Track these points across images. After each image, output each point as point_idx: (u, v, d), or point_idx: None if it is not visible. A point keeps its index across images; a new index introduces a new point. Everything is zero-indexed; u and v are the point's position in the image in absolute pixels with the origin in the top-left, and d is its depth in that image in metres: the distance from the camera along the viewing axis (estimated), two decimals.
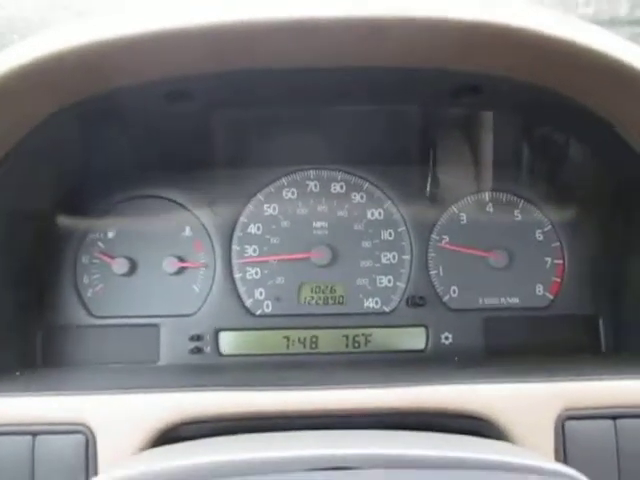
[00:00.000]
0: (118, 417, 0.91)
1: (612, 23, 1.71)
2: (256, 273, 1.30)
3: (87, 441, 0.89)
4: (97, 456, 0.89)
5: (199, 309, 1.29)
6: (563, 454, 0.90)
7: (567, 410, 0.92)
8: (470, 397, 0.93)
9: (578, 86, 0.95)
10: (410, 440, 0.79)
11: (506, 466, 0.64)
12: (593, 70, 0.87)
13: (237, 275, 1.30)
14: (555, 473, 0.65)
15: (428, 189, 1.31)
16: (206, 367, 1.23)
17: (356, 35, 0.88)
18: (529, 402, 0.93)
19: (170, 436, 0.91)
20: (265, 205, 1.32)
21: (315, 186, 1.33)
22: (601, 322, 1.29)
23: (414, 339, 1.29)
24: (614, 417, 0.92)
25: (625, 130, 1.01)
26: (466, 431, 0.91)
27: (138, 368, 1.23)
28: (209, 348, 1.27)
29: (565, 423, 0.91)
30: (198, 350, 1.27)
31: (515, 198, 1.33)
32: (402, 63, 0.93)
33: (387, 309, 1.30)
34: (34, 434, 0.90)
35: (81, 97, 1.01)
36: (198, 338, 1.27)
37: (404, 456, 0.64)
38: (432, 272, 1.31)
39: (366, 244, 1.31)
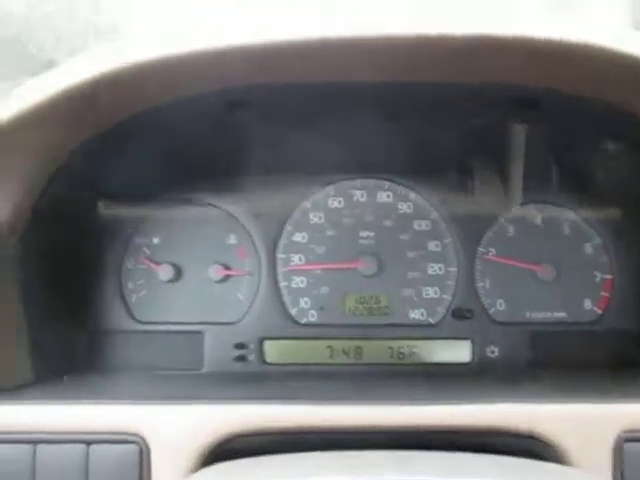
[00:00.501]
0: (172, 428, 0.91)
1: None
2: (301, 282, 1.30)
3: (141, 451, 0.89)
4: (151, 466, 0.89)
5: (243, 317, 1.28)
6: (621, 477, 0.89)
7: (626, 432, 0.90)
8: (525, 416, 0.91)
9: (631, 97, 0.93)
10: (466, 464, 0.79)
11: None
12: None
13: (282, 284, 1.29)
14: None
15: (484, 200, 1.30)
16: (250, 376, 1.23)
17: (414, 51, 0.87)
18: (586, 423, 0.91)
19: (225, 448, 0.91)
20: (311, 214, 1.31)
21: (362, 195, 1.32)
22: None
23: (459, 352, 1.27)
24: None
25: None
26: (520, 451, 0.90)
27: (183, 376, 1.23)
28: (253, 356, 1.26)
29: (624, 445, 0.90)
30: (242, 358, 1.26)
31: (563, 211, 1.31)
32: (456, 79, 0.92)
33: (432, 321, 1.29)
34: (88, 443, 0.90)
35: (130, 114, 1.02)
36: (242, 346, 1.26)
37: None
38: (479, 284, 1.29)
39: (412, 255, 1.30)
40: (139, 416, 0.91)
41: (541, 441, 0.91)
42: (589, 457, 0.90)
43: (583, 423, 0.91)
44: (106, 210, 1.31)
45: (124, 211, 1.32)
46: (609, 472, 0.89)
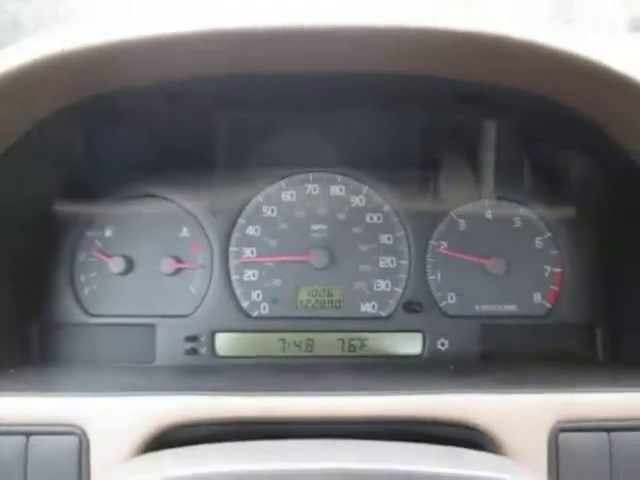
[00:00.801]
0: (112, 419, 0.91)
1: None
2: (253, 275, 1.30)
3: (80, 443, 0.89)
4: (90, 458, 0.89)
5: (195, 310, 1.28)
6: (556, 466, 0.90)
7: (561, 422, 0.92)
8: (463, 407, 0.93)
9: (574, 94, 0.95)
10: (389, 452, 0.80)
11: None
12: (587, 78, 0.87)
13: (234, 277, 1.29)
14: None
15: (436, 194, 1.31)
16: (201, 368, 1.23)
17: (361, 42, 0.88)
18: (523, 413, 0.92)
19: (165, 439, 0.91)
20: (264, 207, 1.32)
21: (314, 189, 1.32)
22: (598, 331, 1.29)
23: (410, 344, 1.28)
24: (608, 430, 0.92)
25: (620, 136, 1.01)
26: (460, 440, 0.92)
27: (134, 368, 1.23)
28: (205, 349, 1.26)
29: (559, 435, 0.91)
30: (194, 351, 1.26)
31: (515, 205, 1.33)
32: (404, 70, 0.93)
33: (384, 314, 1.30)
34: (28, 434, 0.90)
35: (83, 97, 1.01)
36: (194, 339, 1.26)
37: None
38: (430, 277, 1.30)
39: (364, 248, 1.31)
40: (79, 408, 0.91)
41: (479, 431, 0.92)
42: (525, 447, 0.91)
43: (519, 413, 0.92)
44: (61, 206, 1.31)
45: (78, 206, 1.32)
46: (544, 462, 0.91)
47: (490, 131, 1.31)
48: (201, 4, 0.89)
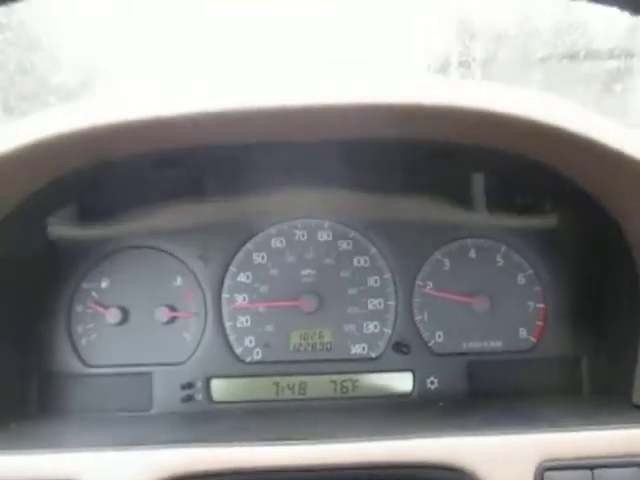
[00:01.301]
0: (111, 474, 0.93)
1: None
2: (246, 321, 1.33)
3: None
4: None
5: (190, 357, 1.31)
6: None
7: (546, 461, 0.95)
8: (451, 450, 0.96)
9: (548, 155, 0.99)
10: None
11: None
12: (566, 145, 0.92)
13: (227, 323, 1.33)
14: None
15: (421, 236, 1.35)
16: (197, 415, 1.25)
17: (338, 116, 0.93)
18: (508, 453, 0.96)
19: None
20: (254, 254, 1.35)
21: (303, 235, 1.36)
22: (583, 363, 1.32)
23: (401, 383, 1.31)
24: (592, 467, 0.95)
25: (595, 191, 1.05)
26: None
27: (131, 418, 1.25)
28: (201, 395, 1.29)
29: (544, 474, 0.94)
30: (189, 398, 1.29)
31: (496, 244, 1.36)
32: (379, 135, 0.98)
33: (374, 354, 1.33)
34: None
35: (68, 171, 1.06)
36: (190, 386, 1.29)
37: None
38: (417, 317, 1.34)
39: (352, 291, 1.34)
40: (77, 462, 0.94)
41: (465, 473, 0.95)
42: None
43: (504, 454, 0.95)
44: (59, 260, 1.34)
45: (72, 256, 1.36)
46: None
47: (471, 179, 1.35)
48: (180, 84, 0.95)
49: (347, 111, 0.85)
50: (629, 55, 2.35)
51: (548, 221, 1.37)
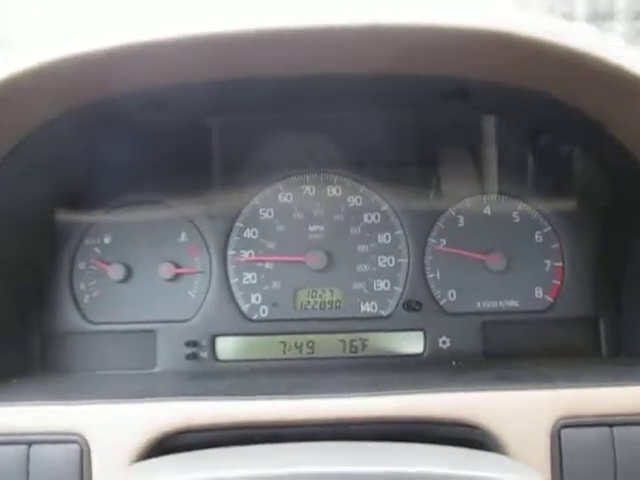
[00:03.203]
0: (112, 427, 0.91)
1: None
2: (252, 278, 1.30)
3: (81, 451, 0.90)
4: (91, 466, 0.89)
5: (195, 315, 1.28)
6: (559, 463, 0.90)
7: (563, 418, 0.91)
8: (464, 405, 0.92)
9: (567, 88, 0.94)
10: (393, 454, 0.79)
11: None
12: (580, 72, 0.86)
13: (233, 280, 1.29)
14: None
15: (432, 191, 1.31)
16: (202, 373, 1.23)
17: (349, 41, 0.88)
18: (524, 410, 0.92)
19: (166, 445, 0.91)
20: (261, 209, 1.31)
21: (311, 190, 1.32)
22: (602, 324, 1.28)
23: (412, 343, 1.28)
24: (611, 425, 0.91)
25: (617, 130, 1.00)
26: (461, 440, 0.91)
27: (134, 375, 1.23)
28: (205, 354, 1.27)
29: (561, 431, 0.90)
30: (194, 356, 1.26)
31: (513, 200, 1.31)
32: (390, 70, 0.92)
33: (384, 313, 1.29)
34: (29, 444, 0.90)
35: (78, 105, 1.02)
36: (194, 344, 1.26)
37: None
38: (429, 276, 1.30)
39: (362, 248, 1.30)
40: (79, 416, 0.92)
41: (481, 430, 0.92)
42: (527, 445, 0.90)
43: (521, 411, 0.91)
44: (62, 216, 1.31)
45: (78, 214, 1.32)
46: (547, 458, 0.90)
47: (488, 126, 1.30)
48: (190, 9, 0.90)
49: (355, 35, 0.80)
50: None
51: (567, 177, 1.32)
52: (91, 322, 1.29)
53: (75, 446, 0.90)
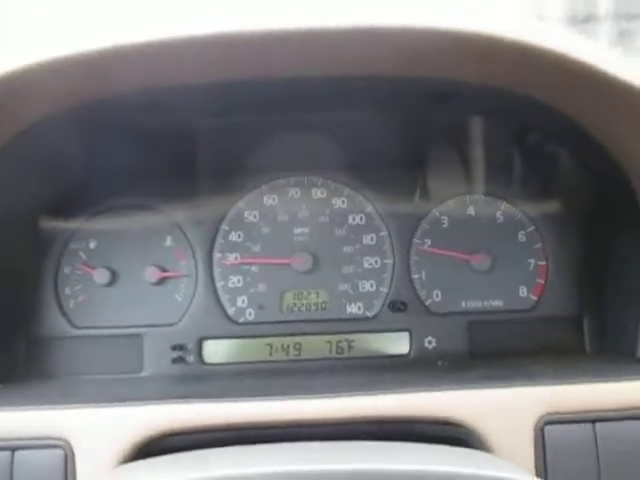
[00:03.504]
0: (96, 431, 0.91)
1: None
2: (238, 281, 1.30)
3: (66, 456, 0.89)
4: (76, 471, 0.89)
5: (181, 318, 1.28)
6: (543, 459, 0.90)
7: (547, 415, 0.92)
8: (448, 404, 0.93)
9: (549, 91, 0.95)
10: (380, 452, 0.79)
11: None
12: (561, 74, 0.87)
13: (219, 284, 1.29)
14: None
15: (417, 192, 1.32)
16: (189, 377, 1.23)
17: (334, 43, 0.88)
18: (508, 407, 0.92)
19: (152, 449, 0.91)
20: (246, 212, 1.31)
21: (296, 192, 1.32)
22: (585, 322, 1.29)
23: (398, 344, 1.28)
24: (593, 421, 0.92)
25: (599, 134, 1.01)
26: (448, 438, 0.91)
27: (121, 379, 1.22)
28: (192, 357, 1.26)
29: (545, 428, 0.91)
30: (181, 360, 1.26)
31: (497, 200, 1.33)
32: (375, 72, 0.93)
33: (370, 314, 1.30)
34: (13, 449, 0.90)
35: (66, 107, 1.01)
36: (181, 348, 1.26)
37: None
38: (414, 276, 1.30)
39: (348, 249, 1.31)
40: (63, 420, 0.91)
41: (465, 428, 0.92)
42: (511, 442, 0.91)
43: (504, 408, 0.92)
44: (47, 220, 1.31)
45: (63, 219, 1.32)
46: (531, 455, 0.91)
47: (473, 128, 1.31)
48: (177, 11, 0.90)
49: (339, 37, 0.81)
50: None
51: (551, 178, 1.33)
52: (77, 327, 1.28)
53: (59, 451, 0.89)
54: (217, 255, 1.30)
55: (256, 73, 0.97)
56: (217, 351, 1.27)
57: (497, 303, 1.30)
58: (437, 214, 1.32)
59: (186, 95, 1.00)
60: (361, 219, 1.32)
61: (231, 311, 1.29)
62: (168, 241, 1.31)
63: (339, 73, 0.98)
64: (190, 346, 1.26)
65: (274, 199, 1.32)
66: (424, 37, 0.85)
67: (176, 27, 0.84)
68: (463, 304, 1.30)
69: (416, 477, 0.66)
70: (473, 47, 0.87)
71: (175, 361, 1.26)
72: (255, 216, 1.31)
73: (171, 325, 1.28)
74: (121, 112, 1.06)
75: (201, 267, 1.29)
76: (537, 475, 0.89)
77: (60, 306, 1.28)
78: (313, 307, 1.30)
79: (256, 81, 1.00)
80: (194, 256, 1.30)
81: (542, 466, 0.90)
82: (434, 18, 0.81)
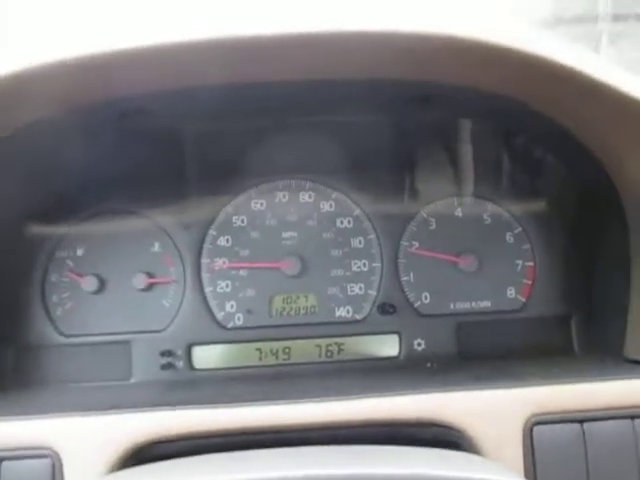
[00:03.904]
0: (84, 439, 0.90)
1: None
2: (226, 286, 1.29)
3: (53, 465, 0.88)
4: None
5: (170, 324, 1.27)
6: (532, 459, 0.91)
7: (535, 415, 0.92)
8: (437, 406, 0.93)
9: (533, 94, 0.95)
10: (369, 456, 0.79)
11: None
12: (543, 77, 0.88)
13: (207, 289, 1.29)
14: None
15: (404, 195, 1.32)
16: (178, 383, 1.22)
17: (314, 48, 0.88)
18: (496, 408, 0.93)
19: (140, 456, 0.90)
20: (234, 217, 1.31)
21: (284, 196, 1.32)
22: (573, 323, 1.30)
23: (387, 346, 1.28)
24: (581, 421, 0.92)
25: (585, 138, 1.01)
26: (438, 441, 0.92)
27: (109, 387, 1.22)
28: (181, 363, 1.25)
29: (534, 428, 0.92)
30: (170, 366, 1.25)
31: (484, 201, 1.33)
32: (358, 75, 0.93)
33: (359, 317, 1.29)
34: (0, 460, 0.89)
35: (55, 112, 1.00)
36: (170, 354, 1.25)
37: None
38: (403, 279, 1.30)
39: (336, 253, 1.31)
40: (50, 429, 0.90)
41: (453, 430, 0.92)
42: (500, 443, 0.91)
43: (493, 409, 0.93)
44: (33, 227, 1.29)
45: (49, 226, 1.31)
46: (520, 456, 0.91)
47: (460, 130, 1.31)
48: (162, 17, 0.90)
49: (329, 41, 0.81)
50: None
51: (538, 180, 1.33)
52: (64, 334, 1.27)
53: (47, 460, 0.89)
54: (205, 260, 1.30)
55: (245, 77, 0.98)
56: (206, 357, 1.27)
57: (485, 304, 1.31)
58: (425, 216, 1.32)
59: (178, 99, 1.00)
60: (349, 222, 1.32)
61: (220, 316, 1.29)
62: (156, 247, 1.30)
63: (328, 77, 0.98)
64: (179, 352, 1.26)
65: (262, 203, 1.32)
66: (411, 40, 0.85)
67: (173, 31, 0.84)
68: (452, 306, 1.30)
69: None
70: (457, 51, 0.87)
71: (164, 367, 1.25)
72: (243, 220, 1.31)
73: (160, 331, 1.27)
74: (111, 117, 1.06)
75: (189, 272, 1.29)
76: (526, 476, 0.90)
77: (48, 314, 1.27)
78: (302, 311, 1.29)
79: (244, 85, 1.00)
80: (182, 261, 1.29)
81: (531, 467, 0.90)
82: (420, 22, 0.81)
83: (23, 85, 0.88)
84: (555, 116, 1.00)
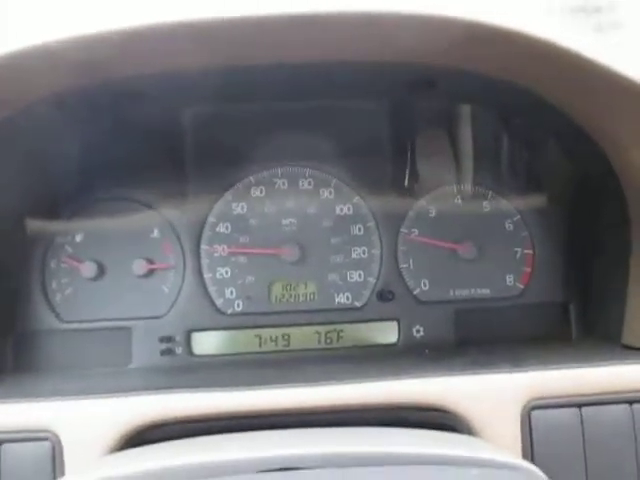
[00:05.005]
0: (84, 422, 0.91)
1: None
2: (226, 272, 1.30)
3: (53, 448, 0.89)
4: (64, 463, 0.89)
5: (169, 310, 1.28)
6: (530, 443, 0.91)
7: (533, 400, 0.93)
8: (436, 390, 0.93)
9: (533, 80, 0.95)
10: (365, 437, 0.80)
11: (453, 460, 0.64)
12: (547, 62, 0.88)
13: (207, 275, 1.29)
14: (503, 465, 0.65)
15: (406, 182, 1.32)
16: (177, 368, 1.22)
17: (314, 29, 0.88)
18: (494, 393, 0.93)
19: (140, 439, 0.91)
20: (233, 204, 1.31)
21: (283, 183, 1.32)
22: (572, 309, 1.30)
23: (386, 333, 1.29)
24: (579, 405, 0.93)
25: (584, 123, 1.01)
26: (436, 424, 0.92)
27: (109, 372, 1.22)
28: (181, 349, 1.26)
29: (531, 413, 0.92)
30: (170, 351, 1.26)
31: (483, 189, 1.33)
32: (360, 58, 0.93)
33: (358, 304, 1.30)
34: (0, 442, 0.90)
35: (51, 95, 1.00)
36: (169, 340, 1.26)
37: (351, 454, 0.64)
38: (402, 266, 1.31)
39: (335, 240, 1.31)
40: (50, 412, 0.91)
41: (451, 414, 0.93)
42: (498, 427, 0.92)
43: (491, 394, 0.93)
44: (32, 214, 1.29)
45: (49, 213, 1.31)
46: (518, 440, 0.91)
47: (460, 116, 1.31)
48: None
49: (323, 21, 0.80)
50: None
51: (537, 167, 1.34)
52: (64, 320, 1.27)
53: (47, 443, 0.89)
54: (205, 247, 1.30)
55: (246, 60, 0.97)
56: (206, 343, 1.27)
57: (484, 291, 1.31)
58: (424, 204, 1.32)
59: (176, 83, 1.00)
60: (348, 209, 1.32)
61: (219, 302, 1.29)
62: (155, 233, 1.30)
63: (326, 59, 0.97)
64: (178, 338, 1.26)
65: (261, 190, 1.32)
66: (411, 23, 0.85)
67: (172, 12, 0.83)
68: (451, 293, 1.31)
69: (403, 460, 0.66)
70: (457, 33, 0.87)
71: (164, 353, 1.26)
72: (243, 208, 1.31)
73: (159, 317, 1.28)
74: (108, 101, 1.05)
75: (189, 259, 1.29)
76: (524, 459, 0.90)
77: (47, 300, 1.28)
78: (301, 298, 1.30)
79: (244, 69, 0.99)
80: (182, 248, 1.29)
81: (529, 450, 0.91)
82: (419, 3, 0.81)
83: (30, 60, 0.88)
84: (557, 103, 1.00)
